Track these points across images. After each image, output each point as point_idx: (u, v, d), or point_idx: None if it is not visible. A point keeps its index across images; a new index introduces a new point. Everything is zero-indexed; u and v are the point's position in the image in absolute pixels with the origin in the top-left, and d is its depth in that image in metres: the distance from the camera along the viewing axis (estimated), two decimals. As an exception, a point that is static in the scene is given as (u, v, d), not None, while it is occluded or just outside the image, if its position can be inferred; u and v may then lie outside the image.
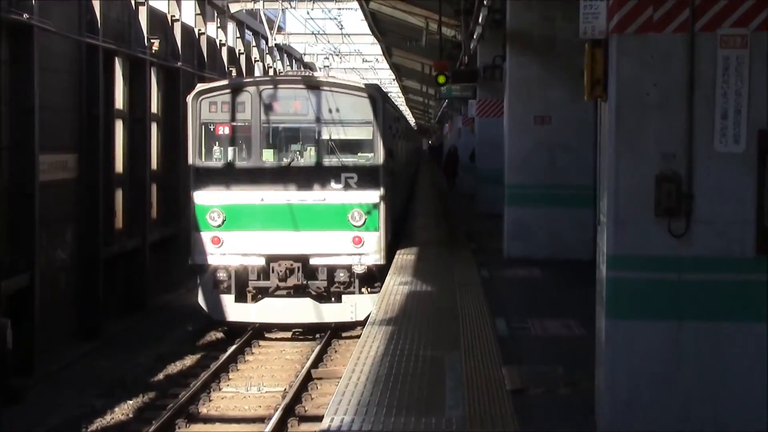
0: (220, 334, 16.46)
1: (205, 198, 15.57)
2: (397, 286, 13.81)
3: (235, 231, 15.46)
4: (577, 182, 16.25)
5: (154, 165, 20.96)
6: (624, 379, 7.00)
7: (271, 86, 15.76)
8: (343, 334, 15.95)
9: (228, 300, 15.65)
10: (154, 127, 21.13)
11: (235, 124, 15.62)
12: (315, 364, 13.84)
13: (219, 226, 15.44)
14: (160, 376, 13.87)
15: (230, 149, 15.71)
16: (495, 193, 20.90)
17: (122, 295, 18.91)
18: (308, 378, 13.11)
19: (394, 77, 49.12)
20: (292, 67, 35.16)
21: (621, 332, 6.97)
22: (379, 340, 10.39)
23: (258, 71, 29.21)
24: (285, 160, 15.65)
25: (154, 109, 21.13)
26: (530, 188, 16.53)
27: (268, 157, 15.68)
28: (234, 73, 23.66)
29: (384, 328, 11.01)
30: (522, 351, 10.08)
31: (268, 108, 15.56)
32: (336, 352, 14.88)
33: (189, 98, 15.87)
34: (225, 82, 16.42)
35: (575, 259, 15.90)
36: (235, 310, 15.69)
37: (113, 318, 17.96)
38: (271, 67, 30.53)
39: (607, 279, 7.04)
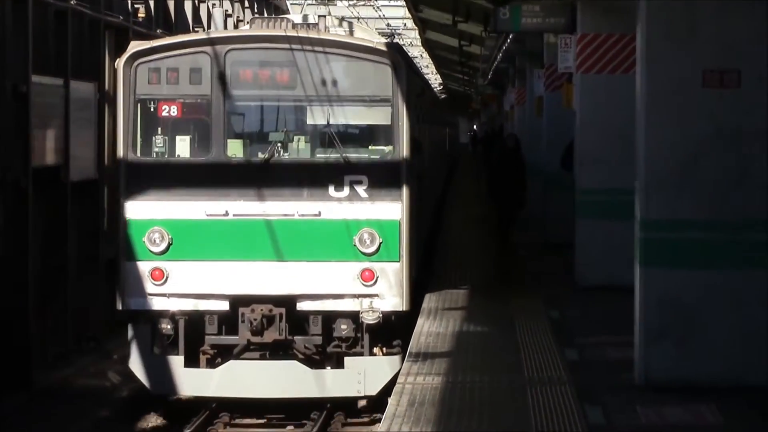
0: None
1: (142, 210, 13.55)
2: None
3: (187, 261, 13.53)
4: None
5: None
6: None
7: (241, 45, 13.75)
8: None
9: (175, 364, 13.54)
10: None
11: (187, 101, 13.80)
12: None
13: (162, 252, 13.44)
14: None
15: (179, 138, 13.80)
16: (617, 240, 15.20)
17: None
18: None
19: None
20: (243, 2, 29.68)
21: None
22: None
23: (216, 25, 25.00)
24: (261, 154, 13.62)
25: None
26: (697, 228, 10.42)
27: (236, 150, 13.68)
28: None
29: None
30: None
31: (237, 78, 13.74)
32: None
33: (119, 63, 13.78)
34: (172, 39, 14.38)
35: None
36: (186, 380, 13.57)
37: None
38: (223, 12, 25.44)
39: None
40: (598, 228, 16.25)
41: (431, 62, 56.02)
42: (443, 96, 62.10)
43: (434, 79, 62.68)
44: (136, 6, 20.15)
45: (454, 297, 15.95)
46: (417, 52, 50.70)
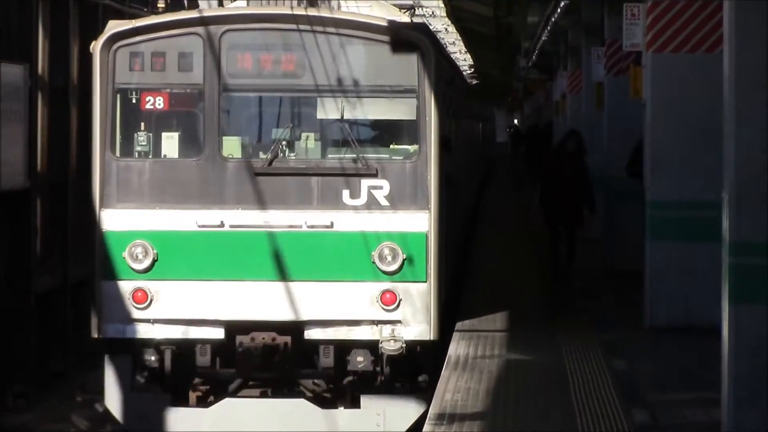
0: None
1: (122, 221, 15.48)
2: None
3: (175, 280, 15.43)
4: None
5: None
6: None
7: (239, 26, 15.65)
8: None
9: (161, 402, 15.37)
10: None
11: (175, 91, 15.65)
12: None
13: (146, 270, 15.35)
14: None
15: (166, 135, 15.68)
16: (699, 267, 16.24)
17: None
18: None
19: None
20: None
21: None
22: None
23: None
24: (262, 155, 15.59)
25: None
26: None
27: (233, 149, 15.63)
28: None
29: None
30: None
31: (235, 64, 15.58)
32: None
33: (95, 46, 15.70)
34: (159, 19, 16.30)
35: None
36: (174, 420, 15.38)
37: None
38: None
39: None
40: (675, 252, 17.19)
41: (458, 38, 55.07)
42: (474, 82, 60.62)
43: (463, 60, 61.29)
44: None
45: (489, 339, 17.10)
46: (440, 25, 50.19)
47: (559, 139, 26.61)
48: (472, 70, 66.77)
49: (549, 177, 22.71)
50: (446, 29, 52.59)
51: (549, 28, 35.28)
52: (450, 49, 51.26)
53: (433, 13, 45.77)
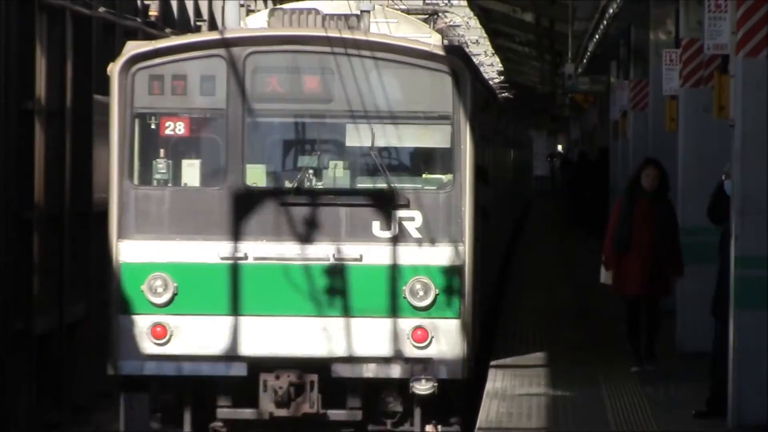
0: None
1: (141, 252, 17.42)
2: None
3: (195, 315, 17.43)
4: None
5: None
6: None
7: (264, 48, 17.47)
8: None
9: None
10: None
11: (196, 116, 17.68)
12: None
13: (165, 304, 17.41)
14: None
15: (187, 163, 17.71)
16: None
17: None
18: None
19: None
20: None
21: None
22: None
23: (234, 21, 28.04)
24: (288, 183, 17.60)
25: None
26: None
27: (258, 177, 17.61)
28: None
29: None
30: None
31: (260, 88, 17.50)
32: None
33: (113, 68, 17.31)
34: (179, 40, 17.89)
35: None
36: None
37: None
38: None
39: None
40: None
41: (484, 35, 52.89)
42: (504, 94, 59.00)
43: (489, 64, 60.71)
44: None
45: (525, 394, 17.60)
46: (460, 18, 48.82)
47: (632, 172, 23.05)
48: (502, 78, 64.67)
49: (621, 226, 20.02)
50: (467, 24, 50.71)
51: (604, 23, 32.08)
52: (473, 50, 48.99)
53: (450, 2, 43.89)
